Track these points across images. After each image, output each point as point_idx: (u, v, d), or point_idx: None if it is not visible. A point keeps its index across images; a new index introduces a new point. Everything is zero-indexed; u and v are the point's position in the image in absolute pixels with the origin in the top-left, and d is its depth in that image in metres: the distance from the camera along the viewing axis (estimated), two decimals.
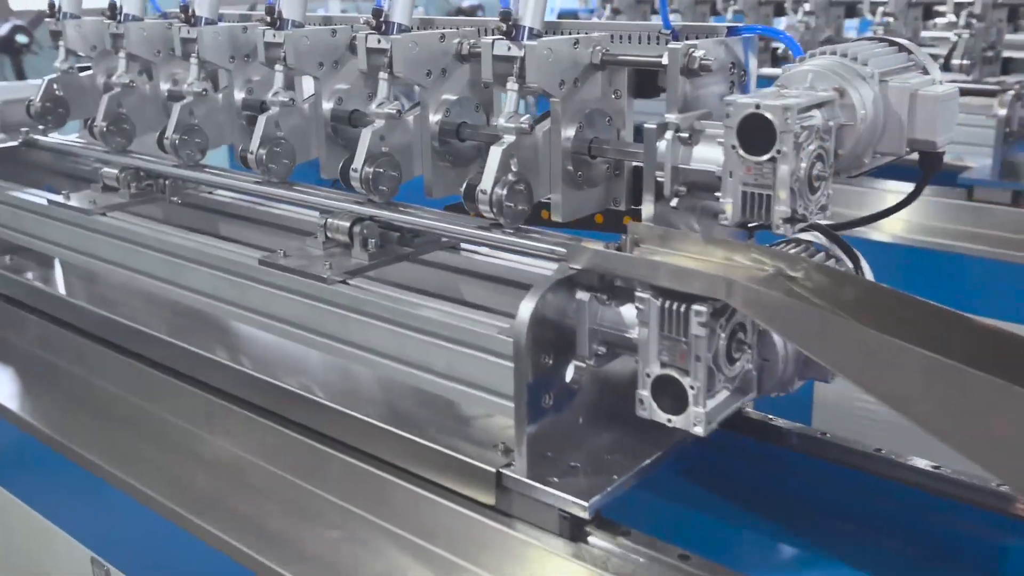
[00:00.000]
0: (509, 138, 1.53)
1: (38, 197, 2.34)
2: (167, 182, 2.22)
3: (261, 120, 1.92)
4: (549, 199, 1.59)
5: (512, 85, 1.54)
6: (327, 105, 1.97)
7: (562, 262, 1.42)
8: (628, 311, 1.36)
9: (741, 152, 1.29)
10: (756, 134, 1.28)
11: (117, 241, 2.07)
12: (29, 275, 2.39)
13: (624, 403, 1.42)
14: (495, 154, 1.51)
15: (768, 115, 1.25)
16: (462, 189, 1.58)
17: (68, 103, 2.58)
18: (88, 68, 2.62)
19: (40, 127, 2.62)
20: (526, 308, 1.29)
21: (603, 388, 1.45)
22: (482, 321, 1.43)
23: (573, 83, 1.56)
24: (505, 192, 1.50)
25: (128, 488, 1.68)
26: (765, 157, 1.28)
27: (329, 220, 1.73)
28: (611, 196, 1.68)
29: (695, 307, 1.23)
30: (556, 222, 1.80)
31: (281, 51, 1.93)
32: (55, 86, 2.56)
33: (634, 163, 1.65)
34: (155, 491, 1.64)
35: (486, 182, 1.50)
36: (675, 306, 1.25)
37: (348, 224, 1.70)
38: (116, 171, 2.24)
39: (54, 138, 2.61)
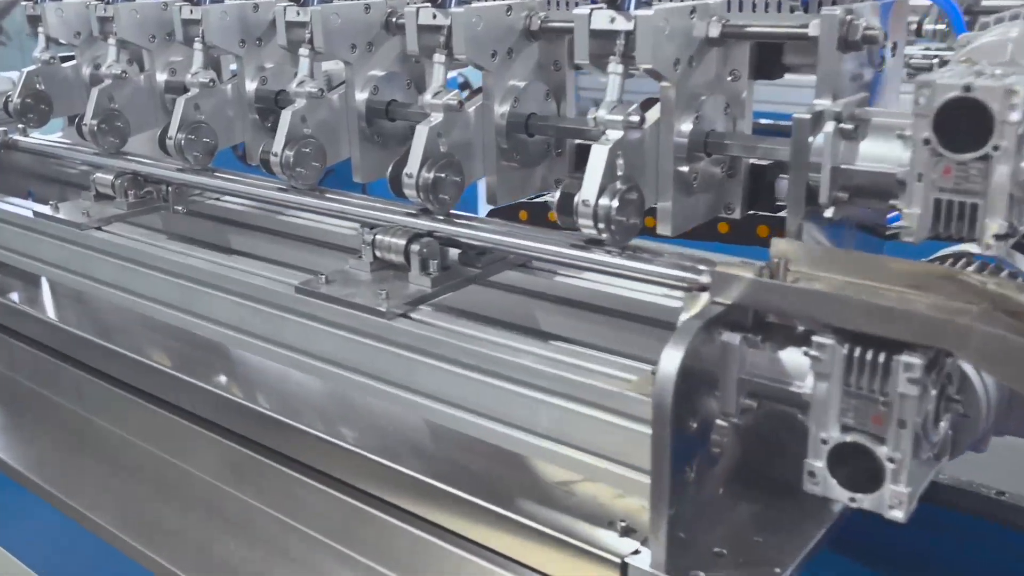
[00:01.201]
0: (615, 134, 1.22)
1: (22, 208, 2.01)
2: (170, 188, 1.90)
3: (286, 116, 1.60)
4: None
5: (615, 67, 1.23)
6: (361, 95, 1.66)
7: (693, 291, 1.12)
8: (791, 358, 1.06)
9: (940, 148, 0.99)
10: (963, 125, 0.98)
11: (116, 260, 1.75)
12: (14, 296, 2.07)
13: (769, 465, 1.13)
14: (598, 154, 1.20)
15: (984, 99, 0.95)
16: (552, 198, 1.27)
17: (51, 98, 2.25)
18: (72, 58, 2.29)
19: (20, 126, 2.30)
20: (671, 359, 0.98)
21: (744, 448, 1.15)
22: (592, 369, 1.13)
23: (688, 62, 1.25)
24: (615, 203, 1.19)
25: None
26: (975, 155, 0.98)
27: (379, 236, 1.42)
28: (723, 202, 1.38)
29: (905, 358, 0.92)
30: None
31: (306, 32, 1.62)
32: (36, 79, 2.22)
33: (751, 161, 1.35)
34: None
35: (588, 191, 1.20)
36: (871, 355, 0.95)
37: (404, 242, 1.39)
38: (111, 177, 1.92)
39: (36, 138, 2.28)
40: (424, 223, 1.43)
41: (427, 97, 1.42)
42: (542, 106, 1.51)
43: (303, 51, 1.63)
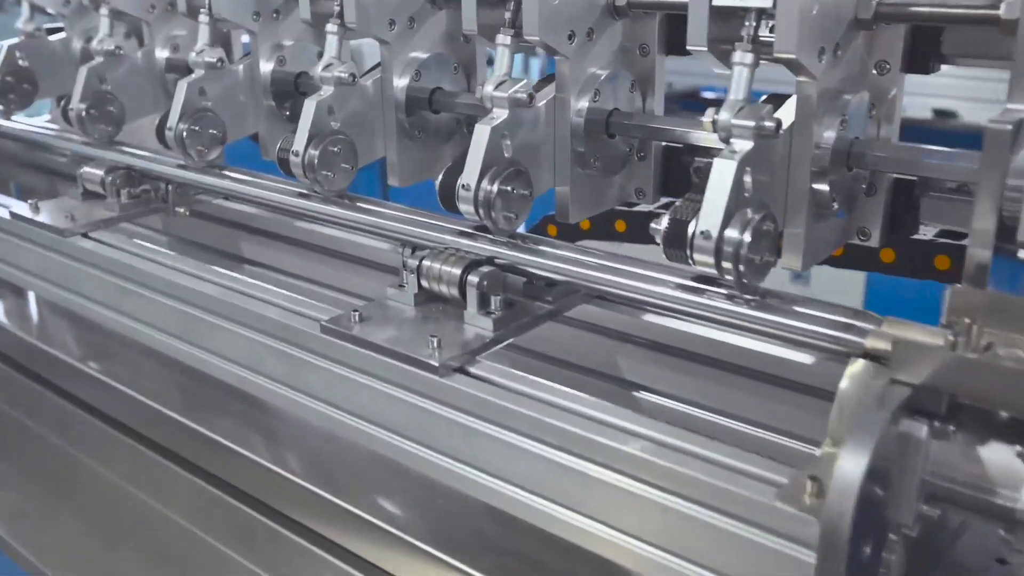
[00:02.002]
0: (743, 145, 0.93)
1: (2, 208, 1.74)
2: (170, 187, 1.62)
3: (309, 107, 1.32)
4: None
5: (742, 56, 0.94)
6: (401, 82, 1.38)
7: (856, 357, 0.84)
8: (997, 455, 0.78)
9: None
10: None
11: (105, 275, 1.48)
12: None
13: None
14: (723, 171, 0.92)
15: None
16: (658, 227, 0.99)
17: (35, 76, 1.97)
18: (60, 30, 2.01)
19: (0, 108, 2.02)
20: (853, 467, 0.71)
21: (913, 566, 0.88)
22: (721, 463, 0.85)
23: (834, 51, 0.97)
24: (747, 236, 0.91)
25: None
26: None
27: (427, 263, 1.14)
28: (856, 226, 1.10)
29: None
30: None
31: (336, 5, 1.34)
32: (17, 54, 1.94)
33: (894, 176, 1.07)
34: None
35: (710, 219, 0.91)
36: None
37: (459, 272, 1.11)
38: (101, 172, 1.64)
39: (18, 122, 2.00)
40: (485, 247, 1.15)
41: (488, 89, 1.14)
42: (626, 100, 1.23)
43: (331, 27, 1.35)
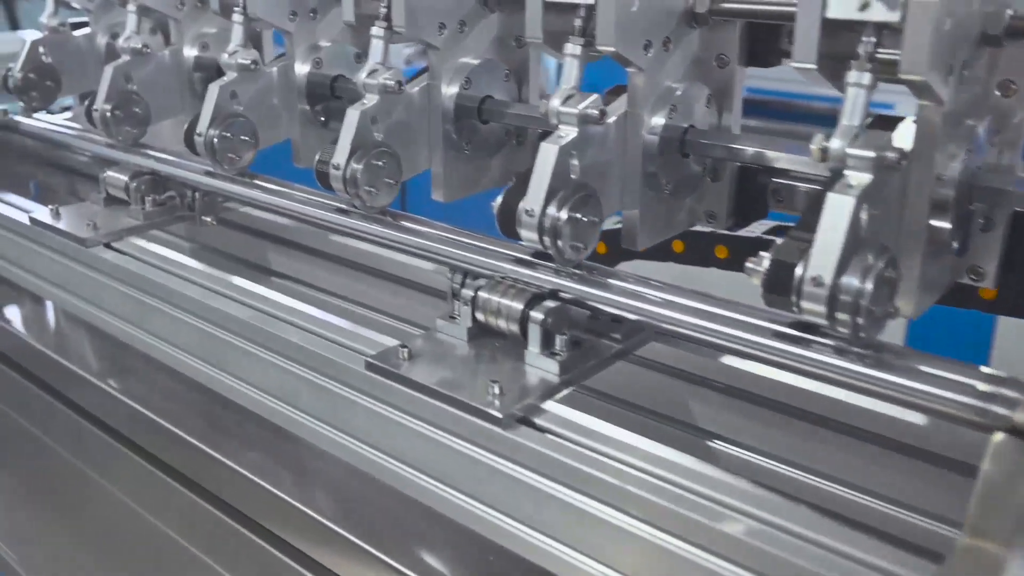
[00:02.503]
0: (860, 179, 0.81)
1: (16, 210, 1.64)
2: (197, 194, 1.52)
3: (352, 117, 1.21)
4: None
5: (860, 77, 0.82)
6: (450, 90, 1.27)
7: (999, 431, 0.73)
8: None
9: None
10: None
11: (127, 290, 1.38)
12: (8, 313, 1.71)
13: None
14: (840, 209, 0.80)
15: None
16: (757, 267, 0.87)
17: (58, 73, 1.87)
18: (86, 24, 1.91)
19: (21, 104, 1.93)
20: None
21: None
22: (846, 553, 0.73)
23: (960, 71, 0.85)
24: (868, 284, 0.79)
25: None
26: None
27: (483, 294, 1.03)
28: (966, 266, 0.98)
29: None
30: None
31: (382, 6, 1.23)
32: (41, 50, 1.85)
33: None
34: None
35: (823, 262, 0.80)
36: None
37: (521, 307, 1.00)
38: (125, 177, 1.54)
39: (40, 120, 1.91)
40: (548, 279, 1.03)
41: (555, 103, 1.02)
42: (702, 116, 1.11)
43: (376, 30, 1.24)
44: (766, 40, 1.12)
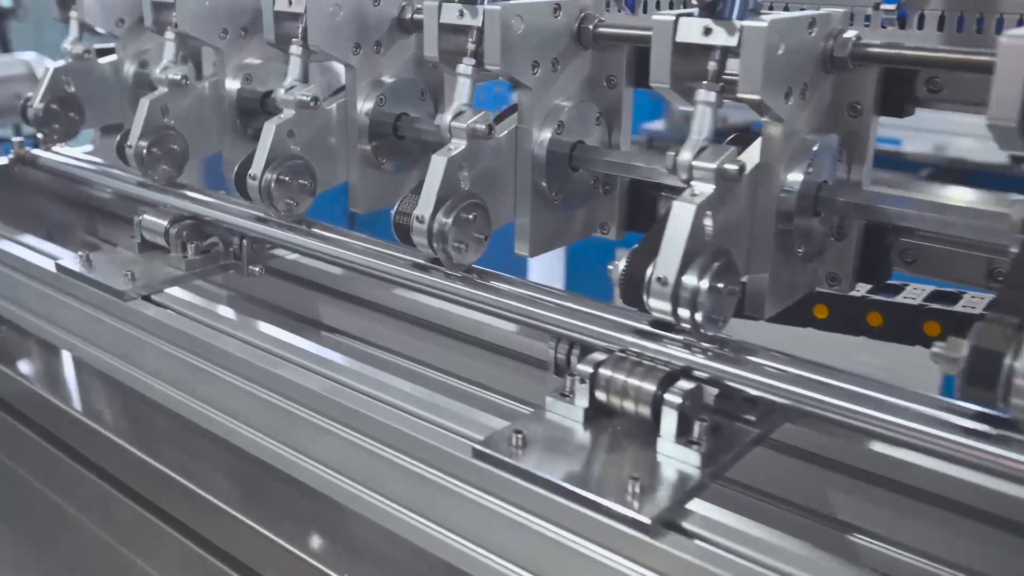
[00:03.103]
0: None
1: (38, 255, 1.50)
2: (244, 241, 1.39)
3: (439, 163, 1.09)
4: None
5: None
6: (543, 135, 1.16)
7: None
8: None
9: None
10: None
11: (175, 351, 1.24)
12: (29, 368, 1.57)
13: None
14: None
15: None
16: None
17: (82, 104, 1.74)
18: (111, 51, 1.78)
19: (40, 136, 1.79)
20: None
21: None
22: None
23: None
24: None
25: None
26: None
27: (604, 372, 0.91)
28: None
29: None
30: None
31: (468, 41, 1.11)
32: (64, 79, 1.72)
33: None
34: None
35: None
36: None
37: (653, 388, 0.88)
38: (164, 222, 1.41)
39: (62, 154, 1.77)
40: (679, 354, 0.91)
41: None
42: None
43: (464, 67, 1.12)
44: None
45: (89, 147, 1.89)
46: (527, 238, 1.18)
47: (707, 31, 0.88)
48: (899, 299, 1.13)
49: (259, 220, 1.35)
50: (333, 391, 1.04)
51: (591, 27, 1.12)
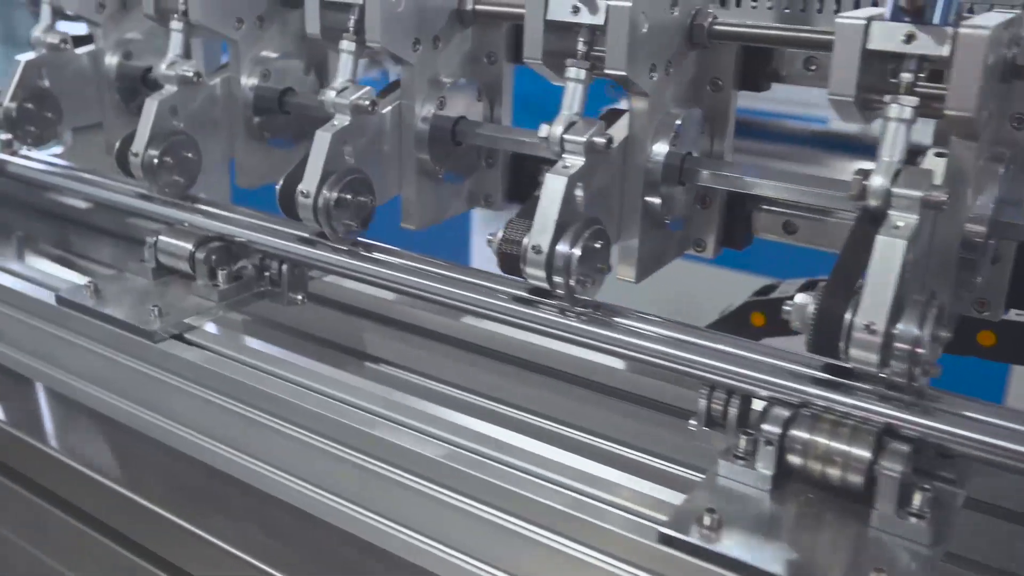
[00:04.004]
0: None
1: (26, 283, 1.28)
2: (284, 267, 1.21)
3: (556, 183, 0.93)
4: None
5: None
6: (658, 148, 1.02)
7: None
8: None
9: None
10: None
11: (223, 402, 1.06)
12: (26, 417, 1.34)
13: None
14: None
15: None
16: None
17: (59, 102, 1.51)
18: (88, 40, 1.55)
19: (6, 138, 1.55)
20: None
21: None
22: None
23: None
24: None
25: None
26: None
27: (797, 433, 0.78)
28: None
29: None
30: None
31: (579, 42, 0.96)
32: (40, 72, 1.48)
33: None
34: None
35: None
36: None
37: (868, 454, 0.75)
38: (189, 246, 1.21)
39: (37, 160, 1.53)
40: (881, 410, 0.78)
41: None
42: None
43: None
44: None
45: (58, 149, 1.65)
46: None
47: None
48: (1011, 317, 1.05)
49: (305, 242, 1.17)
50: (452, 457, 0.89)
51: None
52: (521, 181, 1.29)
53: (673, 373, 0.92)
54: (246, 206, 1.31)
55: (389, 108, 1.17)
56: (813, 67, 1.06)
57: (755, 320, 1.35)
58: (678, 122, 1.02)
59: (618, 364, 1.08)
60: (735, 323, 1.36)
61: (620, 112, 1.03)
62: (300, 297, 1.22)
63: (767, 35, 1.01)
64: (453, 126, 1.20)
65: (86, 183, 1.45)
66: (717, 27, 1.00)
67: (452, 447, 0.91)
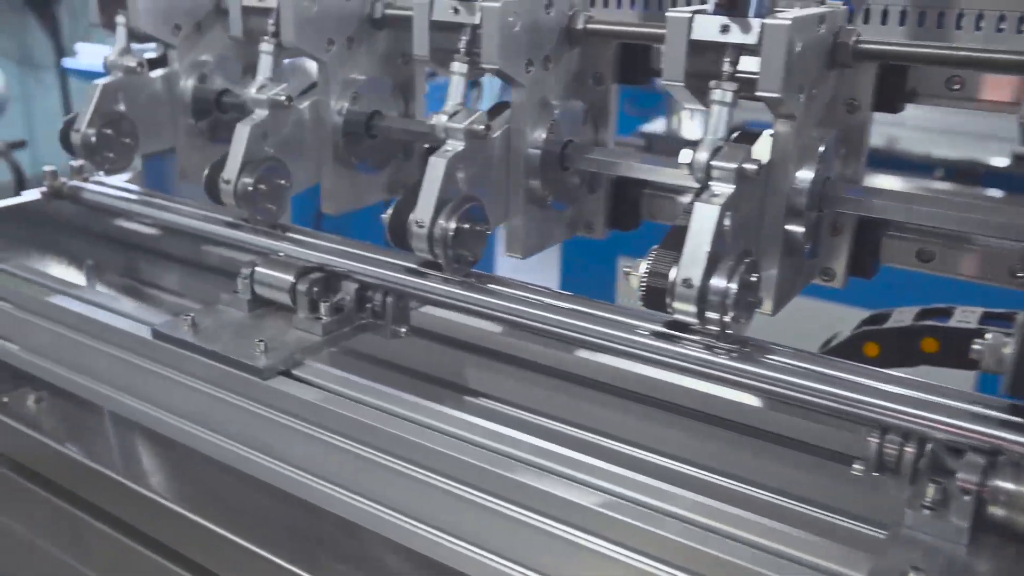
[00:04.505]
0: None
1: (113, 316, 1.23)
2: (388, 298, 1.16)
3: (709, 212, 0.88)
4: None
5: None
6: (803, 174, 0.97)
7: None
8: None
9: None
10: None
11: (331, 439, 1.01)
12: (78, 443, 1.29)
13: None
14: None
15: None
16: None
17: (136, 128, 1.46)
18: (161, 62, 1.50)
19: (76, 166, 1.50)
20: None
21: None
22: None
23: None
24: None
25: None
26: None
27: (1003, 484, 0.73)
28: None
29: None
30: None
31: (726, 63, 0.91)
32: (116, 97, 1.43)
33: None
34: None
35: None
36: None
37: None
38: (290, 277, 1.16)
39: (108, 185, 1.48)
40: None
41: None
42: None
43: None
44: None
45: (126, 176, 1.60)
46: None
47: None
48: None
49: (414, 273, 1.12)
50: (609, 506, 0.83)
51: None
52: (622, 207, 1.25)
53: (834, 415, 0.87)
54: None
55: (499, 132, 1.13)
56: (956, 86, 1.01)
57: (868, 351, 1.30)
58: (822, 148, 0.98)
59: (755, 401, 1.03)
60: (845, 354, 1.31)
61: (755, 135, 0.99)
62: (403, 330, 1.17)
63: (910, 53, 0.97)
64: (562, 150, 1.16)
65: (170, 211, 1.40)
66: (862, 46, 0.96)
67: (606, 495, 0.85)
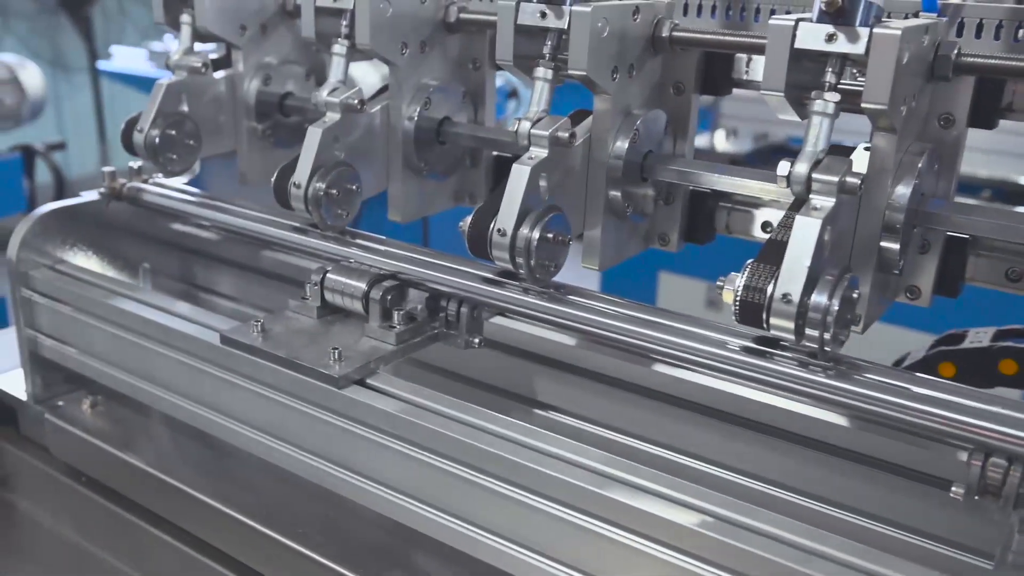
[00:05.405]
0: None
1: (188, 324, 1.21)
2: (463, 307, 1.13)
3: (810, 229, 0.86)
4: None
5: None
6: (900, 189, 0.95)
7: None
8: None
9: None
10: None
11: (410, 451, 0.99)
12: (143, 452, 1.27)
13: None
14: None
15: None
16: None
17: (198, 129, 1.45)
18: (224, 63, 1.49)
19: (136, 167, 1.49)
20: None
21: None
22: None
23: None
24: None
25: None
26: None
27: None
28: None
29: None
30: None
31: (828, 72, 0.89)
32: (179, 97, 1.42)
33: None
34: None
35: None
36: None
37: None
38: (363, 285, 1.14)
39: (169, 187, 1.47)
40: None
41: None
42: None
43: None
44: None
45: (185, 178, 1.58)
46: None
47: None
48: None
49: (492, 283, 1.10)
50: (705, 525, 0.81)
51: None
52: (698, 220, 1.22)
53: (934, 437, 0.84)
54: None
55: (580, 141, 1.10)
56: None
57: (944, 371, 1.27)
58: (921, 163, 0.95)
59: (844, 421, 1.00)
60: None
61: (849, 149, 0.96)
62: (477, 340, 1.15)
63: (1014, 67, 0.94)
64: (642, 161, 1.14)
65: (234, 214, 1.37)
66: (963, 59, 0.94)
67: (702, 514, 0.83)
